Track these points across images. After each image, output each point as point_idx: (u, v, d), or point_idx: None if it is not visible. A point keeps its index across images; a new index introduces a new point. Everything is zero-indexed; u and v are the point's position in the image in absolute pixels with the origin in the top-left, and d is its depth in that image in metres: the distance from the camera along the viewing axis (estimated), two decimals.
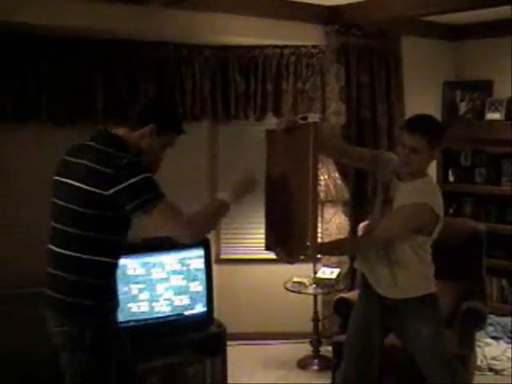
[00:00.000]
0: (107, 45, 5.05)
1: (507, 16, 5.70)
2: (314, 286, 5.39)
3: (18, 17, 4.15)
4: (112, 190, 2.86)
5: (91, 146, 3.01)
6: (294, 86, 5.68)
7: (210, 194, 5.81)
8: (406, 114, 5.76)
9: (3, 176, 4.79)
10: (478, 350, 5.00)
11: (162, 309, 4.70)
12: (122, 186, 2.86)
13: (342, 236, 5.55)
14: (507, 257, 6.14)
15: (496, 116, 6.18)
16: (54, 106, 4.86)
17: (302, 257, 3.47)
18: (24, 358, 4.24)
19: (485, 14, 5.63)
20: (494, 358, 5.34)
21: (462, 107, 6.47)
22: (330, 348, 5.05)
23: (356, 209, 5.66)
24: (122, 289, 4.44)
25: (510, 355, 5.39)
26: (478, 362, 5.11)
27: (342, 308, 4.72)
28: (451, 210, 6.42)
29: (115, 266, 3.13)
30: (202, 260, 4.83)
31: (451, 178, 6.53)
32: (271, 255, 3.53)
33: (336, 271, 5.43)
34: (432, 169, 6.12)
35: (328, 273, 5.43)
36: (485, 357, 5.33)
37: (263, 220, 3.63)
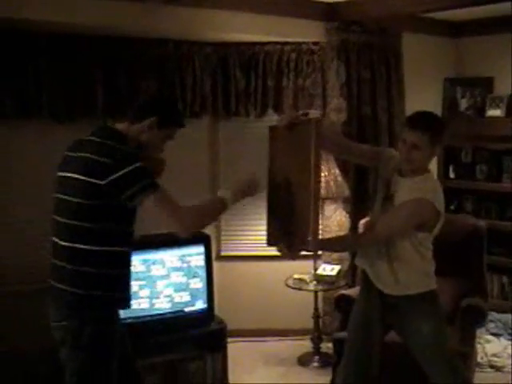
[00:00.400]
0: (108, 41, 5.04)
1: (508, 13, 5.69)
2: (314, 282, 5.40)
3: (20, 13, 4.14)
4: (107, 179, 2.89)
5: (91, 140, 3.05)
6: (294, 82, 5.68)
7: (210, 191, 5.81)
8: (406, 111, 5.75)
9: (4, 173, 4.78)
10: (478, 346, 5.01)
11: (163, 306, 4.70)
12: (118, 174, 2.89)
13: (342, 232, 5.55)
14: (508, 254, 6.14)
15: (497, 113, 6.18)
16: (54, 102, 4.86)
17: (303, 252, 3.46)
18: (24, 354, 4.25)
19: (485, 11, 5.62)
20: (494, 355, 5.34)
21: (463, 104, 6.47)
22: (330, 345, 5.06)
23: (356, 205, 5.65)
24: None
25: (510, 352, 5.39)
26: (479, 359, 5.11)
27: (342, 305, 4.72)
28: (452, 207, 6.42)
29: (122, 255, 3.13)
30: (203, 257, 4.83)
31: (452, 175, 6.53)
32: (272, 252, 3.54)
33: (337, 268, 5.44)
34: (433, 165, 6.11)
35: (329, 269, 5.44)
36: (485, 354, 5.33)
37: (264, 217, 3.64)
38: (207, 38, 5.41)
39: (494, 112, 6.20)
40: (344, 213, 5.67)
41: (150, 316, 4.66)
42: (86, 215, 2.98)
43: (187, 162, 5.62)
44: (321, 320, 5.60)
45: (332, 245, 4.07)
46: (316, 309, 5.50)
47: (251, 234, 5.89)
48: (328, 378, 4.83)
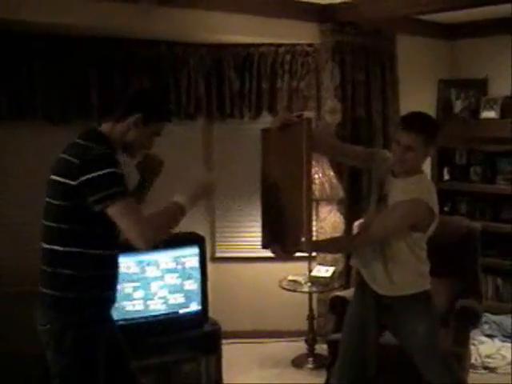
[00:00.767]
0: (102, 43, 5.04)
1: (502, 15, 5.72)
2: (309, 284, 5.39)
3: (15, 15, 4.14)
4: (78, 180, 2.83)
5: (75, 143, 2.99)
6: (289, 84, 5.67)
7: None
8: (401, 113, 5.76)
9: None
10: (472, 348, 5.01)
11: (157, 307, 4.70)
12: (88, 177, 2.81)
13: (337, 234, 5.55)
14: (502, 255, 6.15)
15: (491, 114, 6.19)
16: (48, 104, 4.85)
17: (297, 253, 3.46)
18: (17, 356, 4.24)
19: (480, 13, 5.63)
20: (488, 356, 5.35)
21: (457, 105, 6.48)
22: (325, 346, 5.05)
23: (351, 207, 5.66)
24: None
25: (504, 353, 5.40)
26: (473, 360, 5.11)
27: (337, 306, 4.72)
28: (446, 209, 6.43)
29: (98, 257, 3.04)
30: (197, 258, 4.83)
31: (446, 177, 6.54)
32: (266, 253, 3.53)
33: (331, 269, 5.44)
34: (427, 167, 6.13)
35: (323, 271, 5.43)
36: (479, 355, 5.34)
37: (258, 218, 3.63)
38: (201, 40, 5.41)
39: (489, 114, 6.21)
40: (338, 214, 5.67)
41: (145, 317, 4.66)
42: (61, 216, 2.94)
43: (181, 163, 5.61)
44: (315, 321, 5.60)
45: (326, 246, 4.07)
46: (310, 310, 5.50)
47: (246, 236, 5.89)
48: (322, 380, 4.82)
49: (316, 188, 5.13)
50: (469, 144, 6.40)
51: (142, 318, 4.64)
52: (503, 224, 6.13)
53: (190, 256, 4.80)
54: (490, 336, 5.68)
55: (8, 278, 4.67)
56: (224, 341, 5.01)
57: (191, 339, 4.79)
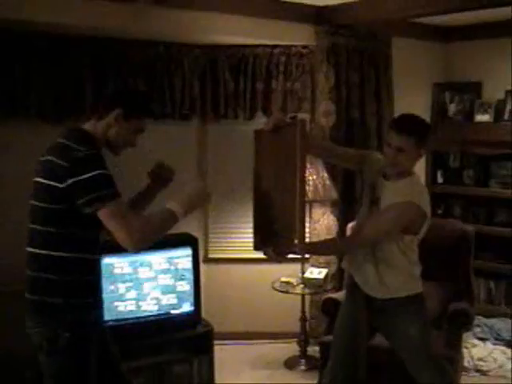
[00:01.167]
0: (97, 43, 5.03)
1: (497, 18, 5.73)
2: (301, 285, 5.39)
3: (9, 14, 4.13)
4: (66, 183, 2.80)
5: (58, 142, 2.95)
6: (283, 85, 5.67)
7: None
8: (395, 115, 5.75)
9: None
10: (464, 350, 5.02)
11: (150, 308, 4.70)
12: (77, 179, 2.79)
13: (330, 236, 5.55)
14: (495, 258, 6.16)
15: (485, 118, 6.20)
16: (43, 103, 4.85)
17: (289, 255, 3.45)
18: (11, 356, 4.22)
19: (474, 16, 5.65)
20: (480, 359, 5.36)
21: (452, 109, 6.48)
22: (317, 348, 5.05)
23: (345, 209, 5.66)
24: (108, 287, 4.45)
25: (496, 356, 5.40)
26: (465, 363, 5.13)
27: (329, 308, 4.72)
28: (440, 212, 6.44)
29: (88, 262, 3.03)
30: (190, 259, 4.82)
31: (440, 180, 6.54)
32: (259, 255, 3.52)
33: (324, 271, 5.44)
34: (421, 170, 6.15)
35: (316, 273, 5.43)
36: (471, 358, 5.35)
37: (252, 219, 3.63)
38: (196, 40, 5.41)
39: (483, 117, 6.22)
40: (332, 216, 5.67)
41: (137, 318, 4.65)
42: (48, 220, 2.91)
43: (175, 164, 5.59)
44: (308, 323, 5.60)
45: (319, 248, 4.07)
46: (303, 312, 5.49)
47: (239, 237, 5.88)
48: (314, 381, 4.83)
49: (310, 190, 5.13)
50: (463, 147, 6.41)
51: (134, 318, 4.64)
52: (496, 227, 6.14)
53: (182, 257, 4.80)
54: (482, 339, 5.69)
55: (4, 277, 4.65)
56: (216, 342, 5.00)
57: (184, 340, 4.79)
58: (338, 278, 5.52)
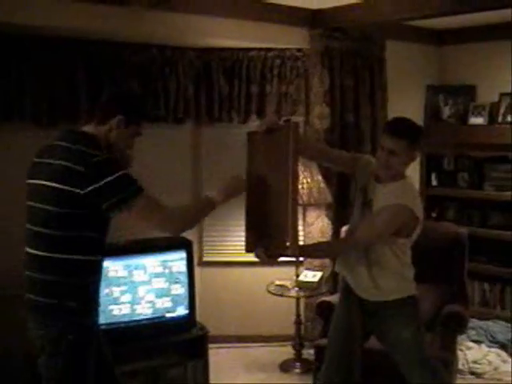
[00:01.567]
0: (91, 46, 5.03)
1: (491, 21, 5.74)
2: (296, 289, 5.39)
3: (3, 16, 4.12)
4: (88, 189, 2.85)
5: (62, 146, 2.99)
6: (277, 89, 5.68)
7: (192, 198, 5.81)
8: (389, 118, 5.76)
9: None
10: (459, 353, 5.02)
11: (144, 311, 4.69)
12: (98, 185, 2.85)
13: (324, 239, 5.54)
14: (489, 261, 6.18)
15: (479, 121, 6.21)
16: (36, 106, 4.84)
17: (282, 257, 3.45)
18: (7, 359, 4.21)
19: (469, 19, 5.65)
20: (475, 362, 5.36)
21: (446, 112, 6.50)
22: (312, 351, 5.05)
23: (339, 212, 5.65)
24: (103, 291, 4.41)
25: (491, 359, 5.41)
26: (460, 366, 5.12)
27: (324, 311, 4.72)
28: (434, 214, 6.44)
29: (95, 264, 3.09)
30: (184, 262, 4.82)
31: (434, 182, 6.55)
32: (254, 258, 3.52)
33: (318, 274, 5.44)
34: (415, 173, 6.16)
35: (310, 276, 5.43)
36: (466, 360, 5.35)
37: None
38: (191, 44, 5.41)
39: (477, 120, 6.23)
40: (326, 219, 5.67)
41: (132, 321, 4.65)
42: (61, 224, 2.93)
43: (170, 167, 5.61)
44: (302, 326, 5.60)
45: (311, 251, 4.07)
46: (298, 315, 5.49)
47: (233, 240, 5.87)
48: None
49: (304, 193, 5.13)
50: (457, 150, 6.42)
51: (128, 322, 4.63)
52: (490, 230, 6.15)
53: (177, 260, 4.80)
54: (476, 341, 5.69)
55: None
56: (211, 345, 5.00)
57: (178, 343, 4.79)
58: (332, 280, 5.52)
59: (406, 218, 3.46)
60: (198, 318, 4.94)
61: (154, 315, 4.74)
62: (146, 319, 4.71)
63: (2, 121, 4.75)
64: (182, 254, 4.81)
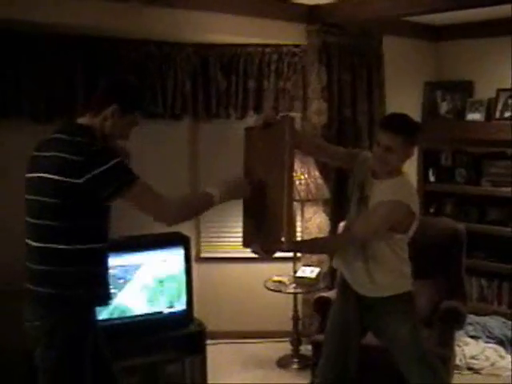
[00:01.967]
0: (88, 42, 5.01)
1: (488, 17, 5.74)
2: (293, 285, 5.39)
3: (1, 13, 4.11)
4: (84, 178, 2.86)
5: (59, 138, 3.00)
6: (275, 84, 5.67)
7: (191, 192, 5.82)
8: (386, 114, 5.76)
9: None
10: (457, 349, 5.02)
11: (142, 307, 4.69)
12: (95, 173, 2.86)
13: (322, 235, 5.55)
14: (487, 257, 6.19)
15: (476, 116, 6.22)
16: (34, 103, 4.83)
17: (278, 252, 3.44)
18: (4, 352, 4.21)
19: (466, 15, 5.65)
20: (473, 358, 5.37)
21: (443, 107, 6.50)
22: (309, 347, 5.05)
23: (337, 208, 5.64)
24: None
25: (488, 354, 5.41)
26: (457, 361, 5.14)
27: (321, 307, 4.73)
28: (431, 210, 6.45)
29: (97, 251, 3.08)
30: (182, 258, 4.82)
31: (431, 178, 6.55)
32: (252, 254, 3.52)
33: (316, 270, 5.44)
34: (412, 168, 6.16)
35: (308, 272, 5.43)
36: (464, 356, 5.35)
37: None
38: (188, 40, 5.40)
39: (474, 116, 6.24)
40: (324, 215, 5.67)
41: (129, 317, 4.65)
42: (61, 214, 2.94)
43: (167, 163, 5.61)
44: (300, 322, 5.60)
45: (307, 246, 4.07)
46: (295, 311, 5.49)
47: (231, 236, 5.87)
48: (307, 381, 4.85)
49: (301, 188, 5.13)
50: (454, 146, 6.43)
51: (126, 317, 4.63)
52: (488, 226, 6.16)
53: (174, 256, 4.79)
54: (474, 337, 5.69)
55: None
56: (209, 341, 5.01)
57: (176, 339, 4.79)
58: (330, 276, 5.51)
59: (402, 214, 3.46)
60: (196, 314, 4.94)
61: (152, 311, 4.73)
62: (144, 315, 4.70)
63: (0, 117, 4.74)
64: (180, 250, 4.81)
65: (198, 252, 6.04)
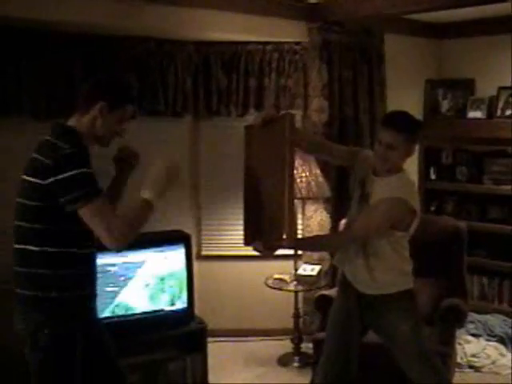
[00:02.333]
0: (89, 39, 5.01)
1: (489, 15, 5.73)
2: (294, 282, 5.39)
3: (0, 10, 4.11)
4: (49, 180, 2.80)
5: (45, 140, 2.95)
6: (276, 82, 5.67)
7: (191, 190, 5.82)
8: (387, 112, 5.76)
9: None
10: (458, 347, 5.02)
11: (143, 305, 4.69)
12: (59, 177, 2.79)
13: (323, 233, 5.54)
14: (488, 255, 6.18)
15: (478, 114, 6.21)
16: (34, 100, 4.82)
17: (279, 250, 3.44)
18: (1, 353, 4.21)
19: (467, 13, 5.64)
20: (473, 356, 5.36)
21: (444, 105, 6.50)
22: (310, 345, 5.05)
23: (337, 206, 5.64)
24: (101, 285, 4.43)
25: (489, 352, 5.41)
26: (458, 359, 5.13)
27: (322, 305, 4.72)
28: (433, 208, 6.45)
29: (73, 256, 2.99)
30: (183, 256, 4.82)
31: (433, 176, 6.55)
32: (253, 252, 3.52)
33: (317, 268, 5.44)
34: (413, 166, 6.16)
35: (309, 270, 5.43)
36: (465, 354, 5.35)
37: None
38: (189, 37, 5.40)
39: (475, 114, 6.23)
40: (325, 213, 5.66)
41: (130, 315, 4.65)
42: (32, 216, 2.90)
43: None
44: (301, 320, 5.60)
45: (309, 244, 4.07)
46: (296, 309, 5.49)
47: (232, 234, 5.86)
48: (308, 378, 4.83)
49: (302, 186, 5.12)
50: (455, 144, 6.42)
51: (127, 315, 4.63)
52: (489, 224, 6.15)
53: (175, 254, 4.79)
54: (475, 335, 5.69)
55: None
56: (210, 339, 5.01)
57: (177, 337, 4.80)
58: (331, 274, 5.51)
59: (403, 212, 3.45)
60: (197, 312, 4.94)
61: (153, 309, 4.73)
62: (145, 313, 4.70)
63: (0, 116, 4.73)
64: (181, 248, 4.81)
65: (199, 250, 6.03)
